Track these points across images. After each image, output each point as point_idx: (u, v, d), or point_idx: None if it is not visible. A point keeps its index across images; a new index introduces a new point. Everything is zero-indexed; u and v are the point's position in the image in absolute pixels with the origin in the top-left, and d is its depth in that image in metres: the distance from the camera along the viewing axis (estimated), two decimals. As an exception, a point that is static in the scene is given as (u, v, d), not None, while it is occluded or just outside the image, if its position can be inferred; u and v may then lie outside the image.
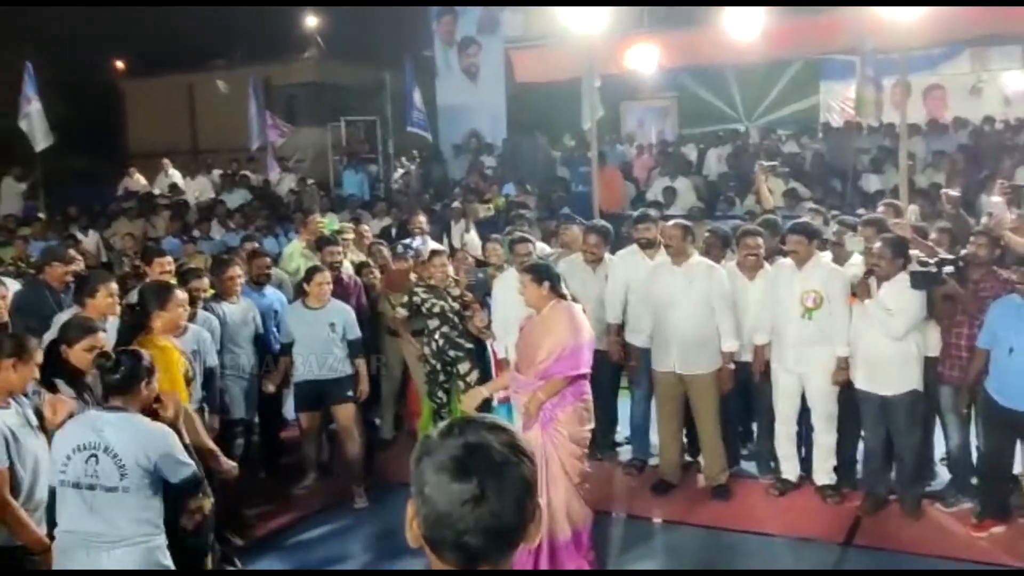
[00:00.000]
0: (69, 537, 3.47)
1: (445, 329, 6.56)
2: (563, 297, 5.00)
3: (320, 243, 6.93)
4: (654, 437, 6.63)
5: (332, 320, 6.10)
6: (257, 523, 5.91)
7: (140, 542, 3.47)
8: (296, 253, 7.52)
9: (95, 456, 3.42)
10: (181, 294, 4.79)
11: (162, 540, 3.56)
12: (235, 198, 13.18)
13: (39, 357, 3.78)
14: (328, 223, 8.25)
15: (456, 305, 6.58)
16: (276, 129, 15.82)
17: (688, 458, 6.59)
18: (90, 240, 10.99)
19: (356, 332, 6.23)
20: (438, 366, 6.54)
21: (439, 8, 18.37)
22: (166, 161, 15.62)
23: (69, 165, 19.69)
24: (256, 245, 7.52)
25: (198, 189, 14.46)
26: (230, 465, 4.41)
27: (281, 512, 6.14)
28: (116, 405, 3.55)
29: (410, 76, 12.80)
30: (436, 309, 6.56)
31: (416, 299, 6.62)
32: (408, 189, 14.37)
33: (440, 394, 6.52)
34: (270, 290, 6.69)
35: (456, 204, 9.78)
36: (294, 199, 13.14)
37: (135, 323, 4.58)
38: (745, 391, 6.39)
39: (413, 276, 7.04)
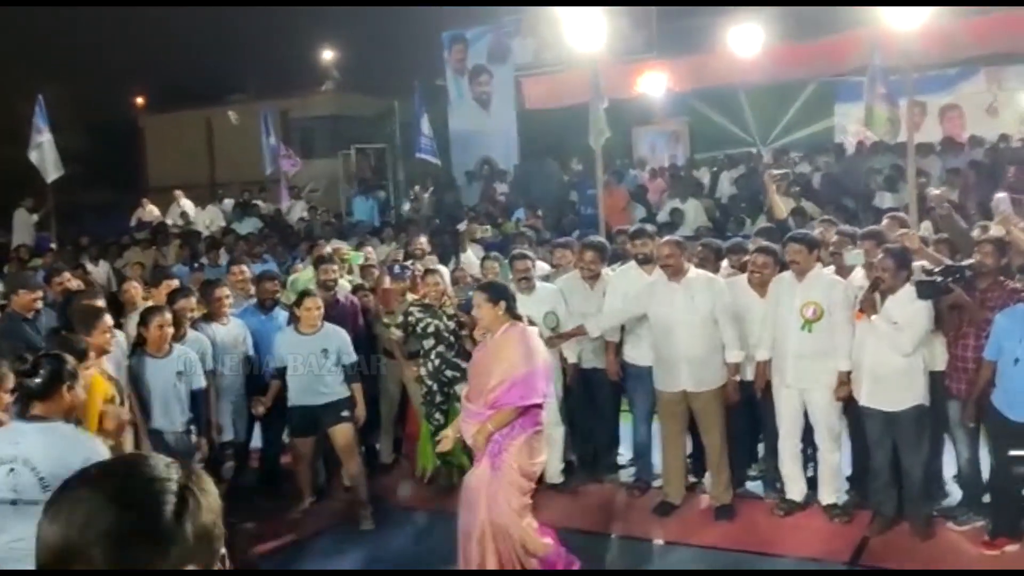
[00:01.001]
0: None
1: (441, 349, 6.46)
2: (518, 319, 4.77)
3: (317, 262, 6.88)
4: (656, 458, 6.50)
5: (325, 346, 6.02)
6: (254, 544, 5.80)
7: None
8: (304, 279, 7.50)
9: (13, 469, 3.22)
10: (108, 319, 4.74)
11: None
12: (246, 226, 13.22)
13: (9, 383, 3.66)
14: (353, 256, 8.28)
15: (452, 324, 6.49)
16: (289, 160, 16.02)
17: (692, 479, 6.44)
18: (100, 270, 10.99)
19: (351, 356, 6.15)
20: (435, 387, 6.43)
21: (450, 37, 18.52)
22: (178, 192, 15.74)
23: (87, 198, 19.94)
24: (245, 269, 7.46)
25: (209, 218, 14.54)
26: None
27: (279, 534, 6.03)
28: (36, 414, 3.37)
29: (419, 103, 12.84)
30: (431, 329, 6.48)
31: (411, 319, 6.54)
32: (418, 215, 14.36)
33: (437, 415, 6.40)
34: (280, 312, 6.69)
35: (460, 227, 9.75)
36: (304, 227, 13.15)
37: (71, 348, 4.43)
38: (751, 410, 6.24)
39: (410, 296, 6.97)
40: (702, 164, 16.81)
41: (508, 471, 4.50)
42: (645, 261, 6.34)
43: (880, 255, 5.48)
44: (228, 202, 15.70)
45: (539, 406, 4.63)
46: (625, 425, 6.83)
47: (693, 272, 6.01)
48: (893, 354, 5.33)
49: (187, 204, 15.39)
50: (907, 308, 5.31)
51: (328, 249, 7.25)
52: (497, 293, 4.78)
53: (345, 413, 6.07)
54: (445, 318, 6.49)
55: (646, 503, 6.27)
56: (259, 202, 15.29)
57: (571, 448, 6.75)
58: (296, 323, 6.13)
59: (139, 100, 30.51)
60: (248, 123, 19.42)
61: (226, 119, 23.27)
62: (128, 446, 4.25)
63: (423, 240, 8.58)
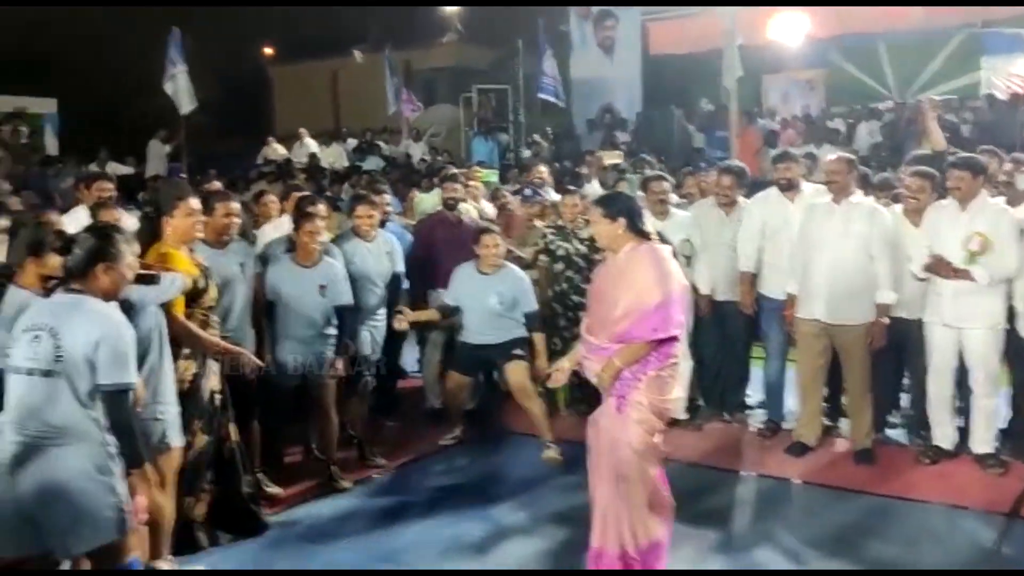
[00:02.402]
0: (7, 428, 3.17)
1: (570, 273, 6.22)
2: (645, 237, 3.98)
3: (441, 180, 6.71)
4: (789, 401, 6.15)
5: (499, 288, 5.71)
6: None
7: (67, 443, 3.11)
8: (428, 200, 7.40)
9: (39, 337, 3.14)
10: (194, 202, 4.28)
11: (100, 458, 3.15)
12: (368, 165, 13.30)
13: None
14: (486, 174, 8.11)
15: (583, 248, 6.23)
16: (410, 104, 16.08)
17: (827, 422, 6.06)
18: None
19: (531, 304, 5.78)
20: (560, 310, 6.21)
21: (577, -18, 18.11)
22: (303, 131, 16.00)
23: (219, 145, 20.54)
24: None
25: (333, 156, 14.71)
26: (252, 360, 4.28)
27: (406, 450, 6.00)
28: (74, 288, 3.26)
29: (542, 43, 12.56)
30: (561, 252, 6.25)
31: (544, 241, 6.32)
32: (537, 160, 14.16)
33: (555, 340, 6.14)
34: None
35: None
36: (424, 167, 13.13)
37: (148, 229, 4.27)
38: (897, 352, 5.80)
39: (539, 223, 6.77)
40: (837, 116, 16.00)
41: (635, 408, 3.87)
42: (788, 187, 5.94)
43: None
44: (351, 142, 15.87)
45: (675, 339, 3.91)
46: (756, 368, 6.50)
47: (858, 197, 5.56)
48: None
49: (311, 143, 15.63)
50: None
51: (454, 170, 7.07)
52: (615, 206, 3.99)
53: (518, 351, 5.74)
54: (576, 241, 6.25)
55: (777, 444, 5.94)
56: (381, 143, 15.37)
57: (697, 385, 6.45)
58: (477, 262, 5.79)
59: (268, 52, 31.29)
60: (370, 74, 19.60)
61: (351, 69, 23.59)
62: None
63: (543, 168, 8.32)
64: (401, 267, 6.03)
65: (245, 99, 28.76)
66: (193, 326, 4.14)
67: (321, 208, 5.30)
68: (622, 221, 3.92)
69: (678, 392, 4.14)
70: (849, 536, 4.64)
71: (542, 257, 6.39)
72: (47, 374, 3.10)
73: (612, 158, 10.38)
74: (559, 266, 6.28)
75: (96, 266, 3.25)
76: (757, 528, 4.76)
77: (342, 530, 4.78)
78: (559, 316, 6.24)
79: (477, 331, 5.80)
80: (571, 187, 6.96)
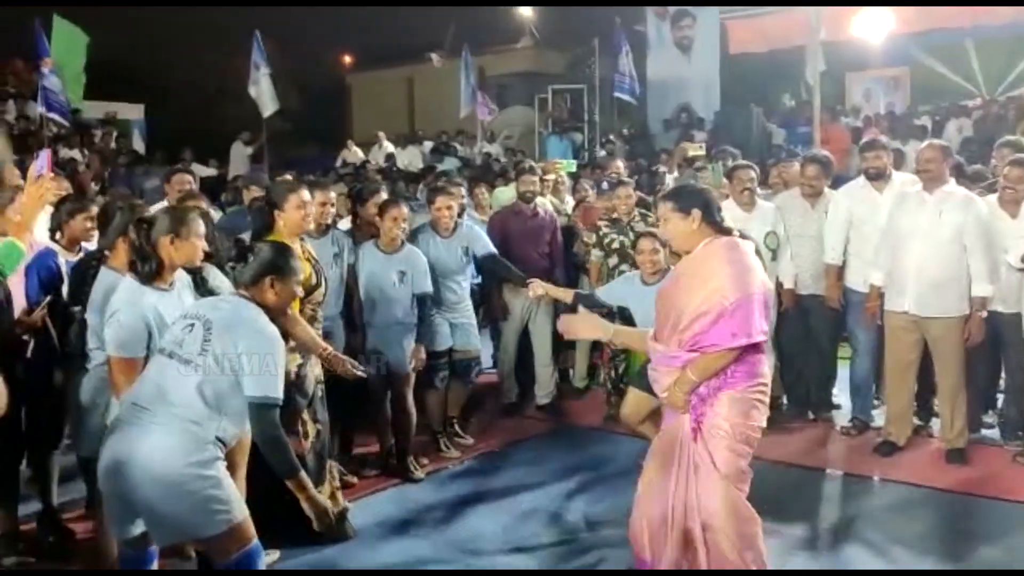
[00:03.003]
0: (128, 410, 3.12)
1: (624, 268, 6.06)
2: (724, 232, 3.48)
3: (518, 173, 6.66)
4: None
5: None
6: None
7: (182, 433, 3.03)
8: (506, 193, 7.42)
9: (193, 325, 3.14)
10: (304, 194, 4.31)
11: (209, 454, 3.06)
12: (444, 166, 13.38)
13: (198, 230, 3.53)
14: (567, 164, 8.05)
15: (640, 242, 6.08)
16: (485, 107, 16.13)
17: (917, 421, 5.82)
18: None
19: None
20: (615, 308, 6.04)
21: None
22: (381, 134, 16.20)
23: (297, 153, 20.95)
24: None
25: (409, 158, 14.85)
26: (352, 369, 4.15)
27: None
28: (243, 293, 3.29)
29: (618, 40, 12.47)
30: (615, 245, 6.14)
31: (600, 233, 6.24)
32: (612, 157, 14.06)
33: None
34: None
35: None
36: (499, 167, 13.15)
37: (262, 222, 4.33)
38: (993, 349, 5.55)
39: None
40: (923, 114, 15.51)
41: (715, 433, 3.35)
42: (876, 176, 5.74)
43: None
44: (428, 144, 15.99)
45: (758, 347, 3.37)
46: (843, 366, 6.29)
47: (951, 186, 5.34)
48: None
49: (389, 145, 15.82)
50: None
51: (531, 163, 7.02)
52: (688, 198, 3.49)
53: None
54: (632, 234, 6.08)
55: (865, 444, 5.74)
56: (456, 145, 15.46)
57: (780, 382, 6.26)
58: (640, 271, 5.29)
59: (346, 59, 31.83)
60: (446, 79, 19.73)
61: (426, 76, 23.79)
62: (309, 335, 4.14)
63: (619, 163, 8.23)
64: (491, 248, 5.86)
65: (324, 106, 29.30)
66: (307, 328, 4.17)
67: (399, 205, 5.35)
68: (696, 214, 3.42)
69: (765, 416, 3.46)
70: (938, 535, 4.46)
71: (595, 251, 6.28)
72: (186, 362, 3.08)
73: (694, 150, 10.19)
74: (613, 260, 6.17)
75: (266, 278, 3.27)
76: (842, 526, 4.58)
77: (413, 520, 4.76)
78: (614, 316, 6.07)
79: None
80: (627, 180, 6.82)
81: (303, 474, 3.19)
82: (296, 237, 4.30)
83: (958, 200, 5.26)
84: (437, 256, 5.61)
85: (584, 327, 3.91)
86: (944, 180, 5.32)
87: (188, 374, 3.06)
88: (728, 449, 3.34)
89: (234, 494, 3.12)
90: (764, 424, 3.43)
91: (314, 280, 4.34)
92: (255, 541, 3.13)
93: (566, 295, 5.31)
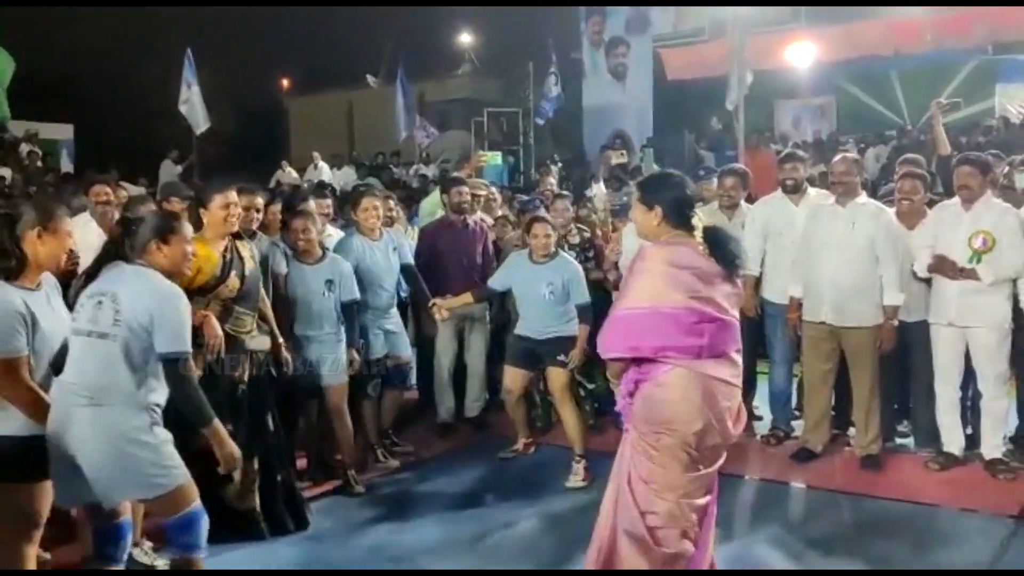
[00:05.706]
0: (59, 389, 3.26)
1: None
2: (687, 231, 3.36)
3: (447, 184, 6.64)
4: (794, 406, 6.05)
5: (551, 278, 5.44)
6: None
7: (111, 404, 3.20)
8: (431, 202, 7.43)
9: (101, 302, 3.28)
10: (231, 195, 4.39)
11: (141, 421, 3.24)
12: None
13: (66, 226, 3.46)
14: (491, 157, 8.07)
15: (573, 254, 6.14)
16: (423, 130, 16.20)
17: (834, 430, 5.95)
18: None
19: (583, 296, 5.47)
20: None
21: (588, 9, 18.26)
22: (316, 154, 16.16)
23: (229, 173, 20.77)
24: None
25: (344, 178, 14.82)
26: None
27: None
28: (138, 261, 3.42)
29: (552, 62, 12.65)
30: None
31: None
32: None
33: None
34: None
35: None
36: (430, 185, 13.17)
37: (192, 220, 4.29)
38: (904, 358, 5.71)
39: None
40: (848, 142, 15.97)
41: (633, 430, 3.35)
42: (793, 189, 5.89)
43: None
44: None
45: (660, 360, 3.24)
46: (761, 380, 6.40)
47: (863, 199, 5.51)
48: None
49: (324, 166, 15.77)
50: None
51: (459, 174, 7.05)
52: (655, 194, 3.42)
53: (562, 357, 5.46)
54: (567, 247, 6.16)
55: (783, 452, 5.84)
56: (391, 166, 15.48)
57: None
58: (528, 251, 5.56)
59: (285, 83, 31.73)
60: (386, 103, 19.79)
61: (366, 99, 23.80)
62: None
63: (551, 179, 8.32)
64: (410, 259, 5.93)
65: (262, 128, 29.15)
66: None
67: (310, 205, 5.49)
68: (658, 210, 3.37)
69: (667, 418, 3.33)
70: (852, 537, 4.54)
71: None
72: (103, 336, 3.23)
73: (617, 158, 10.42)
74: None
75: (151, 243, 3.43)
76: (758, 529, 4.65)
77: (353, 532, 4.71)
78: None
79: (530, 322, 5.54)
80: (562, 193, 6.91)
81: (217, 421, 3.40)
82: (220, 237, 4.39)
83: (870, 211, 5.43)
84: (373, 260, 5.60)
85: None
86: (856, 193, 5.48)
87: (109, 346, 3.22)
88: (642, 450, 3.31)
89: (174, 459, 3.30)
90: (667, 419, 3.27)
91: (217, 274, 4.32)
92: (195, 504, 3.33)
93: (466, 298, 5.65)
